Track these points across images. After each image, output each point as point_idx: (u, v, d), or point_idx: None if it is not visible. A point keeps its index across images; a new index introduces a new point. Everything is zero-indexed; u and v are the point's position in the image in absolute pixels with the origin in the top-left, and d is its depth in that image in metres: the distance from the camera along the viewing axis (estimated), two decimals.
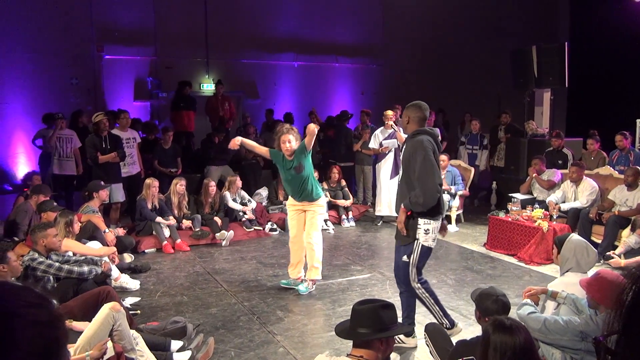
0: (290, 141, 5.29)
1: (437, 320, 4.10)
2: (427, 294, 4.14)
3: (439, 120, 11.84)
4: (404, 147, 4.09)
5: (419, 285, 4.13)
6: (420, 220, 3.98)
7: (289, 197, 5.64)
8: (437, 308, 4.15)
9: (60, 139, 8.51)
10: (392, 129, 8.39)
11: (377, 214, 8.81)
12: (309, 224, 5.45)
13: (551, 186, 7.75)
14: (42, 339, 0.87)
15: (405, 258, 4.10)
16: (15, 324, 0.85)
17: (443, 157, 8.55)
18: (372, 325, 2.53)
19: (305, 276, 5.55)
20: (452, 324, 4.19)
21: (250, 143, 5.64)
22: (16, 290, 0.90)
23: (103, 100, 11.11)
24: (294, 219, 5.55)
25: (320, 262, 5.49)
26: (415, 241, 4.03)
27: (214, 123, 10.38)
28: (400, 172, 4.13)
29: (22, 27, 10.20)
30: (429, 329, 3.68)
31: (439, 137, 4.16)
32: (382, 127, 8.59)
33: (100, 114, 7.68)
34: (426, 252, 4.07)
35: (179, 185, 7.57)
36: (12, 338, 0.83)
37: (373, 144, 8.57)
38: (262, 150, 5.59)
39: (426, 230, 4.00)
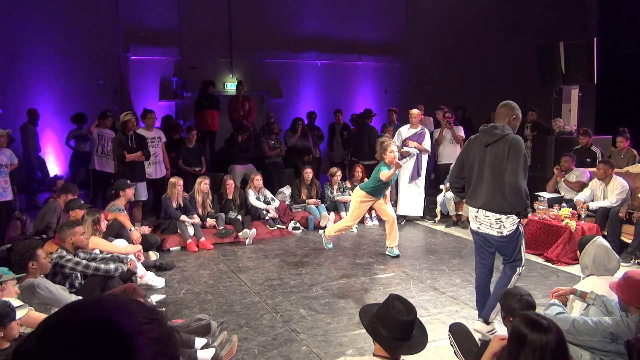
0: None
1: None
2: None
3: (458, 118, 11.69)
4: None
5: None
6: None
7: (365, 192, 6.46)
8: None
9: (102, 136, 8.66)
10: (420, 128, 8.37)
11: (399, 213, 8.75)
12: (387, 209, 6.74)
13: (581, 187, 7.59)
14: (163, 357, 0.84)
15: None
16: (136, 343, 0.81)
17: None
18: (394, 332, 2.54)
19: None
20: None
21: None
22: (129, 307, 0.86)
23: (129, 100, 11.27)
24: (362, 208, 6.56)
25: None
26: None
27: (234, 123, 10.44)
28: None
29: (53, 30, 10.41)
30: (454, 329, 3.64)
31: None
32: (407, 125, 8.53)
33: (128, 113, 7.78)
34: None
35: (203, 184, 7.63)
36: (134, 358, 0.80)
37: (396, 142, 8.50)
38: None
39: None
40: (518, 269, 4.21)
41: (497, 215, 4.08)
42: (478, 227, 4.21)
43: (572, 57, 9.19)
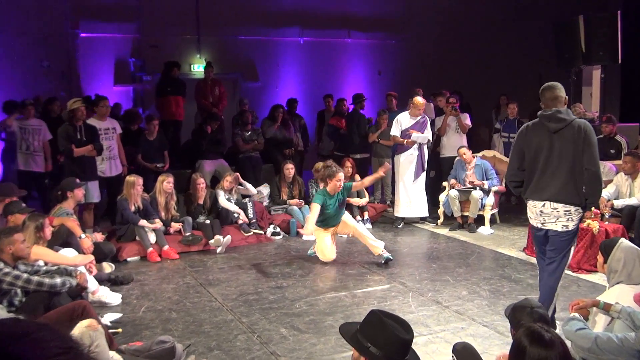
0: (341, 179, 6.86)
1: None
2: None
3: (463, 104, 11.72)
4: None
5: None
6: None
7: (320, 224, 6.86)
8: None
9: (25, 129, 8.43)
10: (422, 116, 8.43)
11: (396, 214, 8.77)
12: (347, 220, 7.13)
13: (605, 183, 7.65)
14: None
15: None
16: None
17: (464, 150, 8.55)
18: (386, 350, 2.55)
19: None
20: None
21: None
22: (37, 336, 0.83)
23: (78, 85, 11.15)
24: (330, 241, 6.95)
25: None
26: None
27: (202, 112, 10.39)
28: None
29: None
30: (458, 349, 3.64)
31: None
32: (405, 113, 8.55)
33: (77, 100, 7.70)
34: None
35: (166, 183, 7.58)
36: None
37: (395, 131, 8.53)
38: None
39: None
40: (565, 265, 4.53)
41: (567, 207, 4.33)
42: (542, 223, 4.40)
43: (594, 33, 9.27)
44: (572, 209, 4.32)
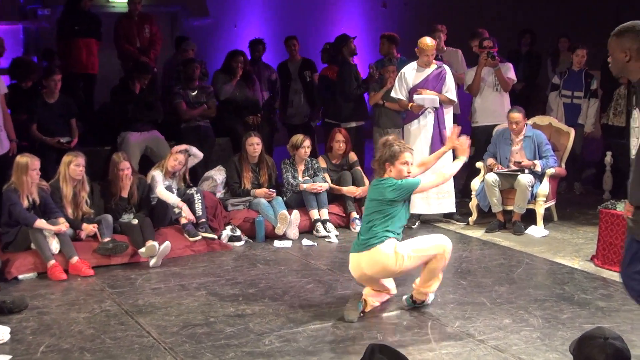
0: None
1: None
2: None
3: (522, 49, 11.74)
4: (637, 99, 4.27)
5: None
6: None
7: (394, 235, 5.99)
8: None
9: None
10: (437, 66, 8.41)
11: (410, 211, 8.76)
12: None
13: None
14: None
15: None
16: None
17: (515, 115, 8.56)
18: None
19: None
20: None
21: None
22: None
23: None
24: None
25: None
26: None
27: (126, 61, 10.34)
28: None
29: None
30: None
31: None
32: (413, 64, 8.55)
33: None
34: None
35: (74, 166, 7.54)
36: None
37: (398, 93, 8.56)
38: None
39: None
40: None
41: None
42: None
43: None
44: None
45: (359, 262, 5.90)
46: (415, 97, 8.38)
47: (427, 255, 5.84)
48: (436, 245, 5.90)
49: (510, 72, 9.49)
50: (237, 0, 12.76)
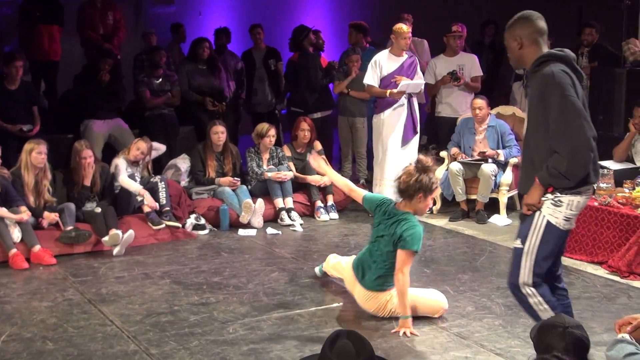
0: None
1: None
2: (546, 307, 4.27)
3: (485, 40, 11.81)
4: (530, 87, 4.30)
5: (532, 290, 4.29)
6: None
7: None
8: None
9: None
10: (409, 56, 8.42)
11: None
12: None
13: None
14: None
15: (518, 243, 4.32)
16: None
17: (479, 101, 8.62)
18: None
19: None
20: None
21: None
22: None
23: None
24: None
25: None
26: (537, 214, 4.22)
27: (89, 49, 10.33)
28: (526, 124, 4.37)
29: None
30: None
31: (576, 62, 4.27)
32: (385, 51, 8.54)
33: None
34: (553, 235, 4.23)
35: (36, 154, 7.47)
36: None
37: (370, 79, 8.52)
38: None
39: (557, 202, 4.16)
40: None
41: None
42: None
43: None
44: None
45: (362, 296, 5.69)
46: (402, 82, 8.33)
47: (420, 310, 5.56)
48: (434, 307, 5.62)
49: (475, 67, 9.49)
50: None
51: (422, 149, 9.03)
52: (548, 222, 4.19)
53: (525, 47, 4.26)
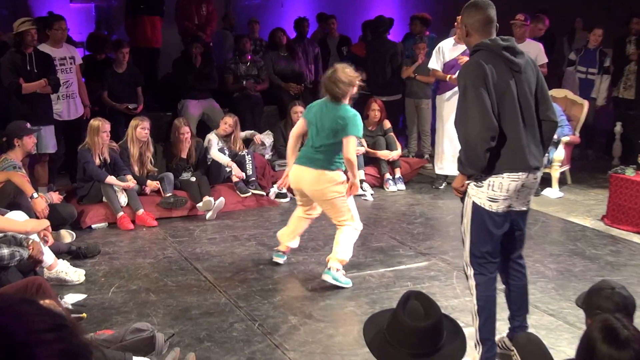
0: None
1: (475, 339, 4.09)
2: (475, 293, 4.11)
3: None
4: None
5: (471, 272, 4.13)
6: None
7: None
8: (480, 322, 4.09)
9: None
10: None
11: (438, 172, 8.73)
12: None
13: None
14: None
15: (462, 227, 4.22)
16: (34, 355, 0.86)
17: None
18: (408, 346, 2.63)
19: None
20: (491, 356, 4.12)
21: None
22: (19, 309, 0.91)
23: (25, 3, 11.07)
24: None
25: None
26: (467, 197, 4.11)
27: (185, 37, 10.37)
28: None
29: None
30: (520, 342, 3.67)
31: (515, 50, 4.00)
32: (449, 39, 8.43)
33: (26, 20, 7.65)
34: (480, 214, 4.02)
35: (140, 129, 7.58)
36: None
37: (434, 64, 8.44)
38: None
39: (478, 183, 4.00)
40: None
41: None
42: (510, 206, 4.17)
43: None
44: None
45: (302, 175, 5.71)
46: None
47: (344, 211, 5.57)
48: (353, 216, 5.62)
49: (541, 55, 9.10)
50: None
51: None
52: (474, 203, 4.03)
53: (470, 35, 4.07)
